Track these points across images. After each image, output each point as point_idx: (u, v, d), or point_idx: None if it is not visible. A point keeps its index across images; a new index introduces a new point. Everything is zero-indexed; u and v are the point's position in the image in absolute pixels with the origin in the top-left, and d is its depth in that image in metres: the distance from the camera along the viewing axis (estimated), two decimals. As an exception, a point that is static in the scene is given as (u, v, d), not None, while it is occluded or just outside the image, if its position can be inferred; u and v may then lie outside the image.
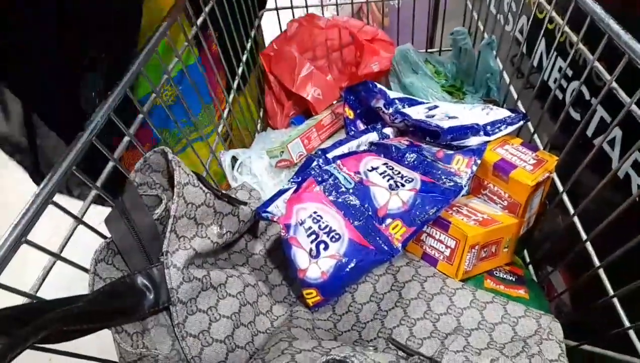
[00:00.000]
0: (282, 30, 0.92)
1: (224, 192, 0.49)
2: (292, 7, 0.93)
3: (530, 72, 0.75)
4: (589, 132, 0.65)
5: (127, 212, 0.43)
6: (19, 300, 0.36)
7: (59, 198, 0.40)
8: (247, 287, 0.48)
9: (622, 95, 0.44)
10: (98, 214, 0.45)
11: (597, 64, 0.48)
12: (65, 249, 0.40)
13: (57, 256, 0.39)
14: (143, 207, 0.44)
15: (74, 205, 0.43)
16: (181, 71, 0.65)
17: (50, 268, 0.39)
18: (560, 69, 0.70)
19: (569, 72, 0.69)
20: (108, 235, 0.43)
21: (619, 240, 0.47)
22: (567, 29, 0.54)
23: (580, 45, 0.51)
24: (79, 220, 0.41)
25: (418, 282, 0.48)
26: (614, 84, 0.45)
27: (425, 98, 0.75)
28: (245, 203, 0.50)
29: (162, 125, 0.67)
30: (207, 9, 0.67)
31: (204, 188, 0.46)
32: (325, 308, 0.49)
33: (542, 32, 0.64)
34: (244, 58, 0.83)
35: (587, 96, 0.65)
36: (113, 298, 0.38)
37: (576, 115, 0.68)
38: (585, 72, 0.50)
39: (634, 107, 0.44)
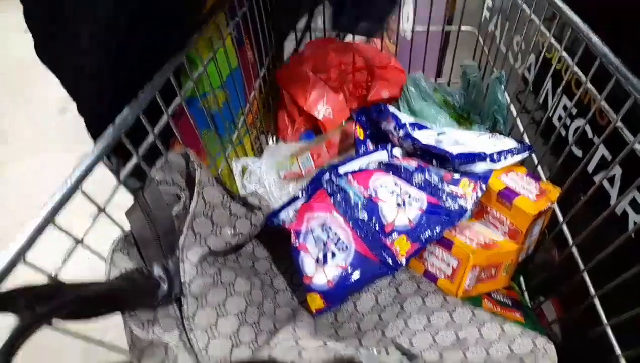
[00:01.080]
0: (300, 49, 0.95)
1: (240, 196, 0.51)
2: (310, 30, 0.97)
3: (535, 109, 0.78)
4: (590, 168, 0.68)
5: (148, 206, 0.45)
6: (41, 280, 0.37)
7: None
8: (253, 289, 0.49)
9: (627, 133, 0.47)
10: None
11: (603, 102, 0.51)
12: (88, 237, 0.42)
13: (79, 241, 0.41)
14: (163, 203, 0.46)
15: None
16: (229, 76, 0.68)
17: (71, 251, 0.40)
18: (564, 106, 0.73)
19: (573, 111, 0.72)
20: (127, 228, 0.45)
21: (613, 271, 0.50)
22: (576, 69, 0.57)
23: (589, 85, 0.53)
24: (101, 210, 0.43)
25: (420, 297, 0.49)
26: (620, 123, 0.47)
27: (434, 125, 0.77)
28: (259, 208, 0.52)
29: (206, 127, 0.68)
30: (240, 13, 0.70)
31: (222, 190, 0.48)
32: (327, 315, 0.51)
33: (550, 71, 0.67)
34: (261, 73, 0.86)
35: (589, 134, 0.68)
36: (130, 285, 0.39)
37: (577, 151, 0.71)
38: (591, 112, 0.53)
39: (637, 146, 0.46)
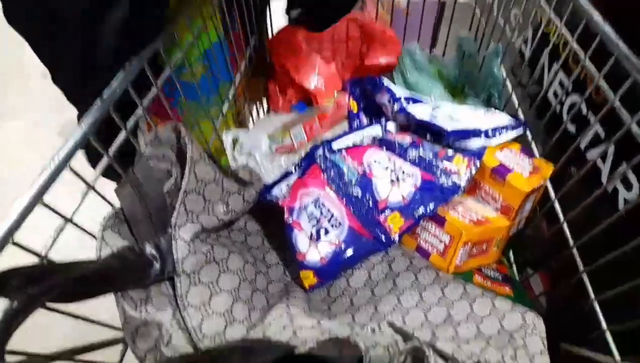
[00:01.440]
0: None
1: (232, 171, 0.50)
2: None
3: (531, 83, 0.77)
4: (582, 145, 0.68)
5: (138, 182, 0.44)
6: (30, 260, 0.37)
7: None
8: (246, 264, 0.49)
9: (624, 113, 0.46)
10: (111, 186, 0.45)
11: (602, 81, 0.50)
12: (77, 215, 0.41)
13: (68, 220, 0.40)
14: (154, 179, 0.45)
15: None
16: (209, 49, 0.66)
17: (61, 230, 0.39)
18: (560, 82, 0.72)
19: (569, 87, 0.71)
20: (117, 205, 0.44)
21: (602, 247, 0.50)
22: (575, 45, 0.56)
23: (587, 62, 0.53)
24: (90, 187, 0.42)
25: (412, 272, 0.50)
26: (617, 103, 0.47)
27: (429, 97, 0.77)
28: (252, 184, 0.51)
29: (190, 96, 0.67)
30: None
31: (214, 166, 0.47)
32: (320, 290, 0.51)
33: (548, 46, 0.66)
34: (252, 43, 0.83)
35: (584, 111, 0.68)
36: (122, 263, 0.39)
37: (571, 127, 0.70)
38: (589, 89, 0.52)
39: (634, 126, 0.46)
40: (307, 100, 0.91)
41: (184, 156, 0.47)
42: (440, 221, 0.53)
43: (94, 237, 0.42)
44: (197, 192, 0.45)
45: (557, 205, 0.58)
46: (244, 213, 0.55)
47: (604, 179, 0.64)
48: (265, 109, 0.95)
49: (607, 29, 0.47)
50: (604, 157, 0.65)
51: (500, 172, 0.56)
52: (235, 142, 0.75)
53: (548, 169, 0.59)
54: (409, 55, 0.84)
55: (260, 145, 0.76)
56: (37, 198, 0.36)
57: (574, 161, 0.66)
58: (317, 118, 0.78)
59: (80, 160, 0.43)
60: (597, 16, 0.49)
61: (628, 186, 0.59)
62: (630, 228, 0.48)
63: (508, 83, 0.75)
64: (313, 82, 0.86)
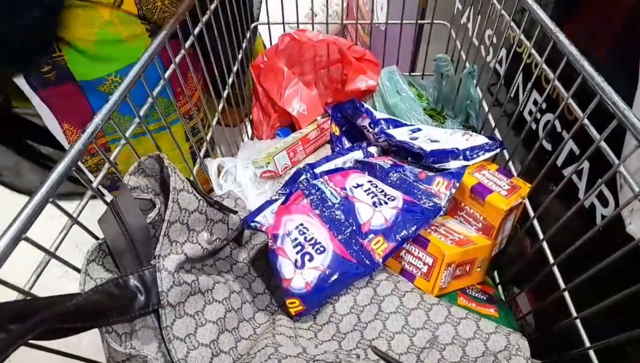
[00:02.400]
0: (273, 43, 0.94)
1: (215, 199, 0.50)
2: (283, 23, 0.96)
3: (507, 102, 0.79)
4: (559, 162, 0.69)
5: (121, 214, 0.44)
6: (13, 296, 0.37)
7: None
8: (232, 294, 0.49)
9: (593, 131, 0.48)
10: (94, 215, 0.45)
11: (570, 101, 0.52)
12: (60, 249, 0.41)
13: (51, 254, 0.40)
14: (137, 210, 0.45)
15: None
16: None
17: (45, 266, 0.39)
18: (534, 101, 0.74)
19: (543, 105, 0.73)
20: (101, 235, 0.44)
21: (583, 264, 0.51)
22: (544, 66, 0.58)
23: (556, 83, 0.54)
24: (74, 220, 0.42)
25: (397, 297, 0.50)
26: (586, 121, 0.49)
27: (408, 120, 0.78)
28: (235, 212, 0.52)
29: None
30: (204, 19, 0.68)
31: (197, 195, 0.47)
32: (306, 317, 0.51)
33: (520, 66, 0.69)
34: (235, 68, 0.84)
35: (558, 128, 0.70)
36: (106, 297, 0.39)
37: (547, 145, 0.72)
38: (559, 109, 0.54)
39: (602, 143, 0.47)
40: (290, 125, 0.92)
41: (167, 186, 0.47)
42: (423, 243, 0.54)
43: (77, 270, 0.42)
44: (181, 221, 0.45)
45: (536, 223, 0.59)
46: (229, 241, 0.55)
47: (581, 196, 0.66)
48: (250, 135, 0.96)
49: (573, 49, 0.49)
50: (580, 174, 0.67)
51: (480, 192, 0.58)
52: (220, 169, 0.75)
53: (525, 188, 0.60)
54: (388, 78, 0.86)
55: (244, 171, 0.76)
56: (20, 234, 0.35)
57: (553, 178, 0.68)
58: (300, 143, 0.79)
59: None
60: (563, 37, 0.51)
61: (604, 202, 0.61)
62: (609, 243, 0.49)
63: (484, 103, 0.77)
64: (296, 107, 0.87)
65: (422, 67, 0.98)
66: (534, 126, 0.76)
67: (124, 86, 0.48)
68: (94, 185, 0.46)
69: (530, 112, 0.75)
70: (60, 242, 0.41)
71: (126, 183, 0.46)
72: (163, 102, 0.87)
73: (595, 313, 0.48)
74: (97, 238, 0.45)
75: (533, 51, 0.62)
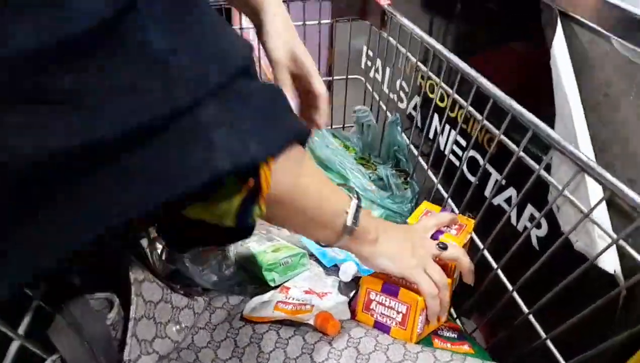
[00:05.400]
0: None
1: (178, 286, 0.46)
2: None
3: (423, 143, 0.84)
4: (487, 194, 0.75)
5: (76, 321, 0.39)
6: None
7: None
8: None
9: (531, 162, 0.52)
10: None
11: (503, 137, 0.56)
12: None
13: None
14: (93, 313, 0.40)
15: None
16: None
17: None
18: (455, 140, 0.80)
19: (463, 142, 0.79)
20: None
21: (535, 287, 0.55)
22: (470, 108, 0.63)
23: (485, 122, 0.59)
24: (21, 338, 0.36)
25: (382, 352, 0.49)
26: (522, 154, 0.53)
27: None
28: (203, 293, 0.48)
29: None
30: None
31: (159, 283, 0.43)
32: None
33: (432, 107, 0.74)
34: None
35: (480, 162, 0.76)
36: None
37: (472, 178, 0.78)
38: (493, 145, 0.58)
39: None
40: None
41: (121, 280, 0.42)
42: (393, 292, 0.54)
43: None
44: (147, 316, 0.41)
45: (486, 253, 0.62)
46: (195, 327, 0.51)
47: (513, 221, 0.71)
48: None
49: (497, 91, 0.54)
50: (508, 201, 0.72)
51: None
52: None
53: (470, 223, 0.63)
54: (315, 133, 0.88)
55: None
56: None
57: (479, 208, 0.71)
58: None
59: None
60: (485, 81, 0.56)
61: (538, 225, 0.66)
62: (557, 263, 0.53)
63: (413, 148, 0.81)
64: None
65: (341, 119, 1.01)
66: (456, 162, 0.81)
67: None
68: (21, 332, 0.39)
69: (453, 151, 0.81)
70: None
71: (76, 283, 0.41)
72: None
73: (564, 332, 0.50)
74: (46, 354, 0.38)
75: (445, 86, 0.68)
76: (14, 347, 0.35)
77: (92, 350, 0.38)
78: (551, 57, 0.57)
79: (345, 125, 1.01)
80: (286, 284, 0.62)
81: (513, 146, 0.55)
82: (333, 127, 1.01)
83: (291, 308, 0.55)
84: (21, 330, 0.36)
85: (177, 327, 0.44)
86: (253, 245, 0.67)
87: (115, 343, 0.40)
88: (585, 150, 0.54)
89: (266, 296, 0.58)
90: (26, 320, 0.37)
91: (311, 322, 0.51)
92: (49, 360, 0.37)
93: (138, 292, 0.40)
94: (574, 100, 0.56)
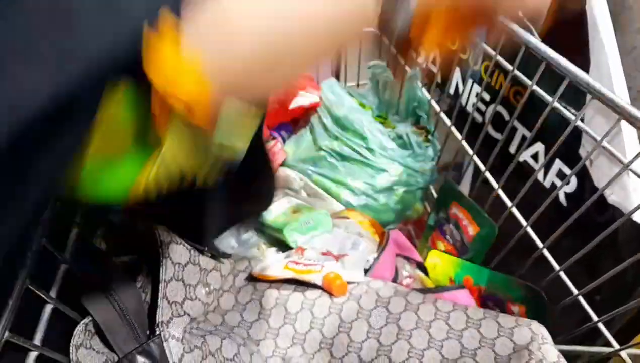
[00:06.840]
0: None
1: (205, 248, 0.45)
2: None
3: (441, 98, 0.81)
4: (512, 149, 0.72)
5: (107, 284, 0.38)
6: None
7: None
8: (240, 347, 0.44)
9: (567, 114, 0.50)
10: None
11: (535, 87, 0.53)
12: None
13: (38, 347, 0.33)
14: (124, 277, 0.39)
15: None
16: None
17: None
18: (477, 94, 0.77)
19: (487, 97, 0.76)
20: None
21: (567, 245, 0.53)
22: (500, 58, 0.59)
23: (516, 72, 0.56)
24: (54, 301, 0.35)
25: (412, 311, 0.48)
26: (556, 104, 0.50)
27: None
28: (228, 256, 0.47)
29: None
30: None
31: (186, 245, 0.42)
32: (322, 354, 0.47)
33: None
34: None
35: (506, 117, 0.73)
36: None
37: (497, 135, 0.75)
38: (525, 97, 0.55)
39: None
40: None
41: (146, 243, 0.41)
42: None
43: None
44: (177, 278, 0.40)
45: (515, 211, 0.61)
46: (222, 291, 0.50)
47: (540, 177, 0.69)
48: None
49: (532, 39, 0.51)
50: (535, 156, 0.70)
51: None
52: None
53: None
54: (329, 91, 0.85)
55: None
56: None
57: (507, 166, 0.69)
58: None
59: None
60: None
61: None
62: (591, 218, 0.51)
63: (435, 104, 0.78)
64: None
65: (354, 76, 0.98)
66: (478, 117, 0.79)
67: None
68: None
69: (478, 110, 0.78)
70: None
71: (103, 248, 0.40)
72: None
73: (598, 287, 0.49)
74: (79, 318, 0.38)
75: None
76: (47, 309, 0.34)
77: (124, 312, 0.38)
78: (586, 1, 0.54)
79: (360, 83, 0.98)
80: (304, 245, 0.61)
81: (547, 97, 0.52)
82: (347, 84, 0.98)
83: (301, 267, 0.53)
84: (53, 293, 0.36)
85: (206, 289, 0.43)
86: (272, 206, 0.66)
87: (146, 305, 0.39)
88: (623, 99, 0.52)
89: (281, 256, 0.57)
90: (58, 284, 0.37)
91: (318, 282, 0.50)
92: (82, 323, 0.36)
93: (166, 253, 0.39)
94: (611, 46, 0.53)
